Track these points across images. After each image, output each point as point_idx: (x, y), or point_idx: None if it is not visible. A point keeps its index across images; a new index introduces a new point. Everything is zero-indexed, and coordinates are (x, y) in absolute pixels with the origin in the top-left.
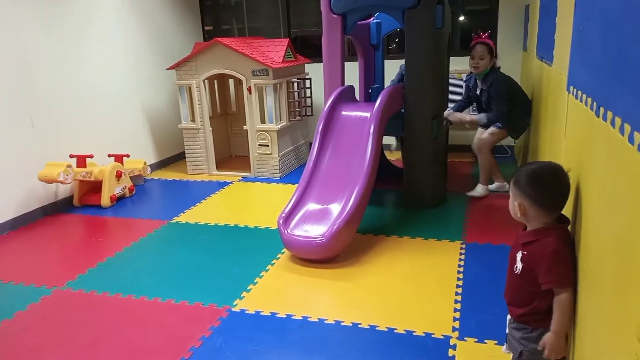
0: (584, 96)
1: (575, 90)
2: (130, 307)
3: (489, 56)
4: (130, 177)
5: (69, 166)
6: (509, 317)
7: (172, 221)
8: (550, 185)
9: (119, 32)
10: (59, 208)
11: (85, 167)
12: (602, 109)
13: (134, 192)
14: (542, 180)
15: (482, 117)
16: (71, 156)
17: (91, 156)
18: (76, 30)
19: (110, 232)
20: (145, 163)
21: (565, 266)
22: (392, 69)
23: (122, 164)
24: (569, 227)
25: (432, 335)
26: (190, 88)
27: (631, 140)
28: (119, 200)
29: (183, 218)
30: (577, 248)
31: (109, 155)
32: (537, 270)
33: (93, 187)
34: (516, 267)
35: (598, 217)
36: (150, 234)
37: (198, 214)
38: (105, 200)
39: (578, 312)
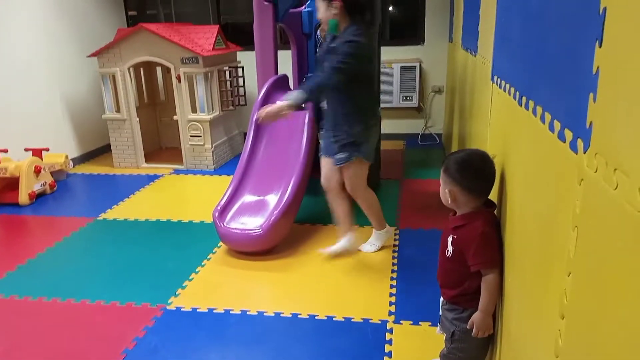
0: (507, 86)
1: (499, 79)
2: (55, 311)
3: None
4: (50, 173)
5: None
6: (442, 299)
7: (98, 218)
8: (478, 172)
9: (33, 16)
10: None
11: None
12: (524, 99)
13: (55, 188)
14: (470, 168)
15: (291, 95)
16: None
17: (5, 151)
18: None
19: (30, 232)
20: (67, 157)
21: (492, 248)
22: None
23: (41, 158)
24: (495, 211)
25: (370, 321)
26: (114, 76)
27: (551, 128)
28: (38, 197)
29: (111, 214)
30: (503, 231)
31: (26, 150)
32: (467, 252)
33: (9, 184)
34: (447, 250)
35: (522, 202)
36: (75, 233)
37: (127, 210)
38: (23, 198)
39: (505, 291)
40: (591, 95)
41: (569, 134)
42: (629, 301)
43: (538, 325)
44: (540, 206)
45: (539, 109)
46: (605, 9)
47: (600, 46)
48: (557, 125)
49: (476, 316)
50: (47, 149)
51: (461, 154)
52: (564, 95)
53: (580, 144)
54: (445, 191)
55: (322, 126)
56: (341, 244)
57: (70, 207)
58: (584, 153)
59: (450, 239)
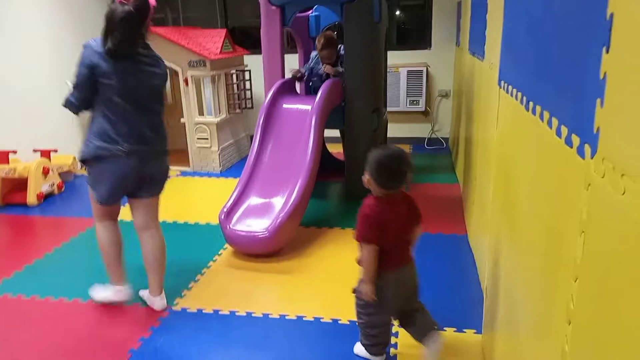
0: (514, 90)
1: (505, 84)
2: (62, 310)
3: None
4: (58, 174)
5: None
6: None
7: None
8: (391, 173)
9: (42, 19)
10: None
11: (7, 163)
12: (531, 104)
13: (63, 189)
14: (382, 166)
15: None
16: None
17: (14, 152)
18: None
19: (38, 233)
20: (75, 158)
21: (368, 227)
22: None
23: (49, 159)
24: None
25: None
26: None
27: (558, 133)
28: (46, 198)
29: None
30: (507, 235)
31: (35, 151)
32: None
33: (18, 185)
34: None
35: (527, 207)
36: (82, 233)
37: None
38: (31, 199)
39: (511, 295)
40: (598, 100)
41: (576, 139)
42: (636, 307)
43: (544, 331)
44: (546, 211)
45: (546, 114)
46: (612, 14)
47: (607, 52)
48: (564, 130)
49: (358, 282)
50: (56, 150)
51: (380, 151)
52: (571, 101)
53: (587, 149)
54: (364, 176)
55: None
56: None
57: (78, 207)
58: (591, 158)
59: None
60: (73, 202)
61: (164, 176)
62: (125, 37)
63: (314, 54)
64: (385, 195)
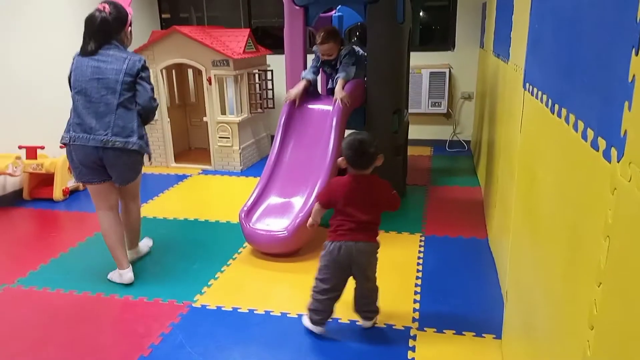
0: (540, 93)
1: (531, 87)
2: (85, 304)
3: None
4: None
5: (18, 158)
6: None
7: None
8: (353, 152)
9: (66, 16)
10: (8, 202)
11: (35, 158)
12: (556, 106)
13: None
14: (348, 148)
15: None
16: (20, 147)
17: (42, 147)
18: (30, 20)
19: (63, 227)
20: None
21: (323, 190)
22: None
23: None
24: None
25: (393, 327)
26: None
27: (584, 136)
28: (72, 193)
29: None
30: (528, 239)
31: (62, 147)
32: None
33: (44, 180)
34: None
35: (551, 209)
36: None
37: (156, 208)
38: (57, 194)
39: (534, 302)
40: (626, 103)
41: (602, 143)
42: None
43: (566, 336)
44: (570, 215)
45: (572, 117)
46: None
47: (637, 54)
48: (590, 133)
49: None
50: None
51: (352, 136)
52: (597, 104)
53: (614, 152)
54: (341, 158)
55: None
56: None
57: None
58: (618, 162)
59: None
60: None
61: (123, 169)
62: (96, 40)
63: (315, 48)
64: (355, 175)
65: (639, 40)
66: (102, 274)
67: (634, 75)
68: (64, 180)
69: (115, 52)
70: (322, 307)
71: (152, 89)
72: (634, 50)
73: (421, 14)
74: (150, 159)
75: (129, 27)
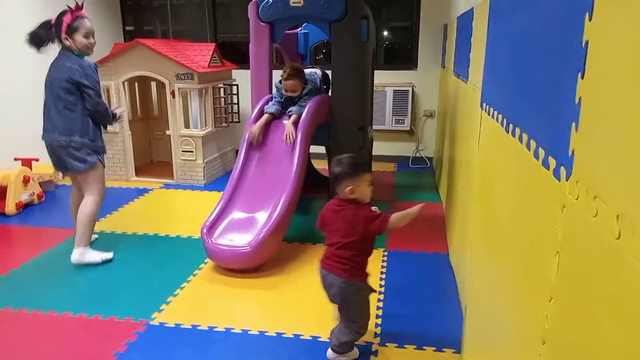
0: (496, 113)
1: (487, 107)
2: (36, 323)
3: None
4: (39, 183)
5: None
6: None
7: None
8: (330, 172)
9: (25, 26)
10: None
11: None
12: (511, 126)
13: (43, 199)
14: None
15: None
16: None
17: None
18: None
19: (15, 242)
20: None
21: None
22: None
23: (30, 168)
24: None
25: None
26: (108, 90)
27: (536, 155)
28: (25, 207)
29: (98, 226)
30: (485, 255)
31: (16, 159)
32: None
33: None
34: None
35: (507, 227)
36: (61, 244)
37: (114, 223)
38: (10, 208)
39: (491, 317)
40: (574, 124)
41: (552, 162)
42: (609, 327)
43: (521, 350)
44: (524, 231)
45: (525, 137)
46: (587, 42)
47: (582, 77)
48: (541, 152)
49: None
50: (37, 159)
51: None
52: (548, 124)
53: (563, 171)
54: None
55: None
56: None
57: (57, 218)
58: (566, 180)
59: None
60: (53, 212)
61: (69, 160)
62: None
63: (278, 84)
64: (337, 197)
65: (584, 64)
66: (55, 291)
67: (580, 98)
68: (18, 194)
69: (62, 58)
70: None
71: (97, 94)
72: (579, 73)
73: (385, 33)
74: (101, 156)
75: (66, 34)
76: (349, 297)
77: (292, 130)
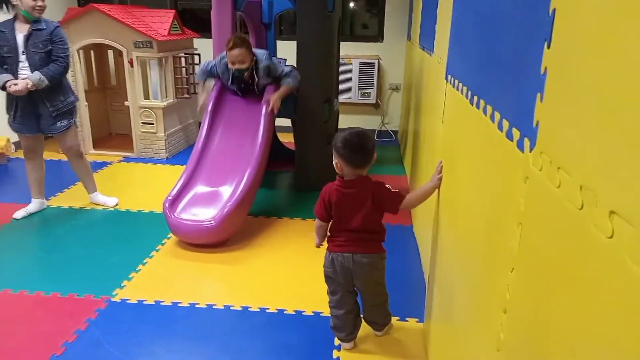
0: (460, 85)
1: (452, 79)
2: None
3: None
4: None
5: None
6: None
7: None
8: (352, 147)
9: None
10: None
11: None
12: (475, 98)
13: None
14: (347, 143)
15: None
16: None
17: None
18: None
19: None
20: (8, 140)
21: (319, 203)
22: (284, 49)
23: None
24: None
25: (321, 314)
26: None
27: (500, 127)
28: None
29: (54, 202)
30: (450, 226)
31: None
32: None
33: None
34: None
35: (469, 198)
36: (16, 221)
37: (72, 198)
38: None
39: (452, 287)
40: (538, 95)
41: (516, 133)
42: (569, 297)
43: (481, 319)
44: (486, 203)
45: (489, 108)
46: (554, 10)
47: (548, 47)
48: (505, 124)
49: None
50: None
51: (345, 132)
52: (512, 95)
53: (526, 143)
54: (335, 162)
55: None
56: (34, 206)
57: (11, 193)
58: (530, 152)
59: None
60: (6, 187)
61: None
62: None
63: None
64: (348, 178)
65: (551, 34)
66: (10, 269)
67: (545, 68)
68: None
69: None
70: (340, 323)
71: None
72: (546, 43)
73: (351, 4)
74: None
75: None
76: (378, 269)
77: (277, 102)
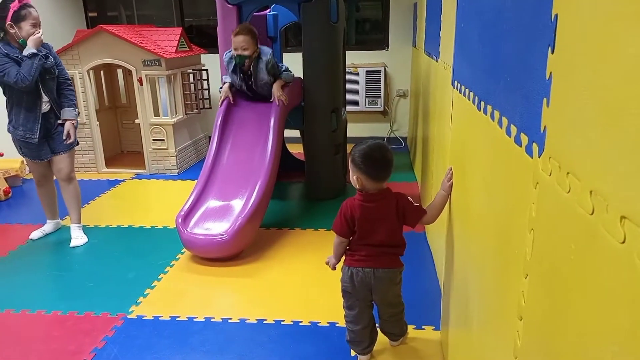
0: (467, 91)
1: (459, 84)
2: (9, 323)
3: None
4: (5, 179)
5: None
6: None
7: None
8: (374, 161)
9: None
10: None
11: None
12: (482, 103)
13: (10, 194)
14: (367, 157)
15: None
16: None
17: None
18: None
19: None
20: (22, 162)
21: (339, 219)
22: (291, 61)
23: None
24: (451, 210)
25: (337, 325)
26: (72, 79)
27: (508, 132)
28: None
29: (69, 221)
30: (461, 233)
31: None
32: None
33: None
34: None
35: (480, 205)
36: (31, 241)
37: (87, 216)
38: None
39: (467, 294)
40: (545, 100)
41: (524, 138)
42: (583, 303)
43: (497, 327)
44: (498, 209)
45: (497, 114)
46: (556, 15)
47: (552, 52)
48: (513, 129)
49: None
50: (2, 154)
51: (364, 146)
52: (519, 101)
53: (535, 148)
54: (353, 178)
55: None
56: (50, 227)
57: (26, 214)
58: (539, 157)
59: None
60: (21, 209)
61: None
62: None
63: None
64: (369, 192)
65: (554, 39)
66: (27, 289)
67: (550, 73)
68: None
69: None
70: (358, 338)
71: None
72: (550, 48)
73: (355, 13)
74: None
75: (11, 21)
76: (396, 283)
77: (281, 92)
